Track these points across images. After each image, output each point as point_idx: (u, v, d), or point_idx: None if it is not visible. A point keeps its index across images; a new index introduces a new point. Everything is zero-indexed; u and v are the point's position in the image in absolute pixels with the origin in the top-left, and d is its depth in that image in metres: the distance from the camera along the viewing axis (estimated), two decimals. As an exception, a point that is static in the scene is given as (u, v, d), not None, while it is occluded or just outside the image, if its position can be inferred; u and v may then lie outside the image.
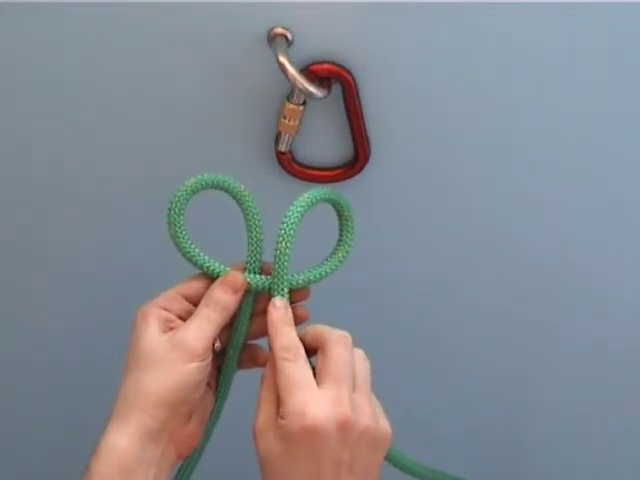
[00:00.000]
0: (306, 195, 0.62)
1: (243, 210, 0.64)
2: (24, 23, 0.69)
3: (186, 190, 0.62)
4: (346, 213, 0.65)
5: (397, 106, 0.73)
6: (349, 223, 0.65)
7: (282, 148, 0.74)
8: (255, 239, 0.64)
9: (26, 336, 0.93)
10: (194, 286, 0.63)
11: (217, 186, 0.63)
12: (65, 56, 0.71)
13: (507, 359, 0.94)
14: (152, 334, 0.60)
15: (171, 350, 0.59)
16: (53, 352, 0.94)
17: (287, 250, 0.62)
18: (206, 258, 0.63)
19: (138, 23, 0.68)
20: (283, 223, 0.62)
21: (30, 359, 0.95)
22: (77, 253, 0.86)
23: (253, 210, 0.63)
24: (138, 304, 0.62)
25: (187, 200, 0.62)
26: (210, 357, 0.60)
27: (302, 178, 0.76)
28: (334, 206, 0.65)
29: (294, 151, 0.75)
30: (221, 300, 0.62)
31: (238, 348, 0.64)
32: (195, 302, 0.63)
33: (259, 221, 0.64)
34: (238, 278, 0.62)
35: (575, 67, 0.71)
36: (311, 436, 0.55)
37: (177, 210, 0.62)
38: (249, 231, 0.64)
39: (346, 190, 0.76)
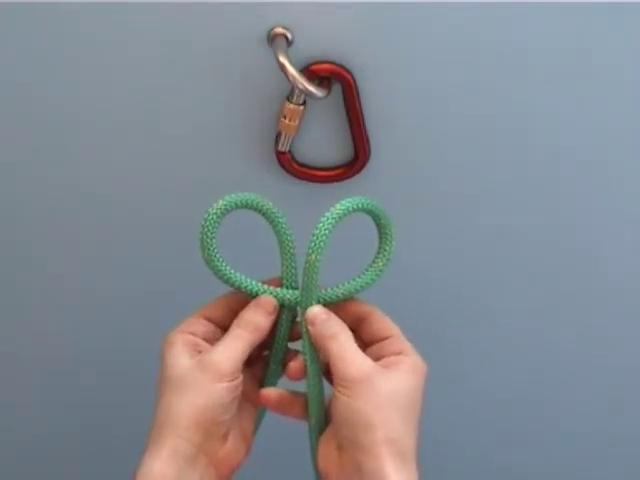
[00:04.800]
0: (338, 206, 0.60)
1: (274, 227, 0.62)
2: (24, 23, 0.69)
3: (216, 213, 0.60)
4: (383, 222, 0.62)
5: (397, 106, 0.73)
6: (387, 231, 0.62)
7: (282, 148, 0.74)
8: (289, 254, 0.62)
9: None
10: (216, 308, 0.63)
11: (246, 206, 0.61)
12: (65, 57, 0.71)
13: (510, 360, 0.94)
14: (180, 358, 0.59)
15: (199, 372, 0.58)
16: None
17: (317, 263, 0.60)
18: (242, 278, 0.62)
19: (137, 23, 0.68)
20: (313, 235, 0.59)
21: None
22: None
23: (284, 226, 0.62)
24: (163, 331, 0.61)
25: (218, 223, 0.60)
26: (240, 377, 0.59)
27: (302, 178, 0.76)
28: (370, 215, 0.62)
29: (294, 151, 0.75)
30: (253, 321, 0.61)
31: (279, 362, 0.64)
32: (219, 324, 0.62)
33: (291, 236, 0.62)
34: (270, 301, 0.62)
35: (575, 67, 0.71)
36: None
37: (209, 234, 0.60)
38: (282, 247, 0.62)
39: (346, 190, 0.76)
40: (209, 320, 0.62)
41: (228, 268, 0.62)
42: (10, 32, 0.69)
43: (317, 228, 0.59)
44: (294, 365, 0.62)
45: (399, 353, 0.59)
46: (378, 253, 0.63)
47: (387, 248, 0.62)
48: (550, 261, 0.84)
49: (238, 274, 0.62)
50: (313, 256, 0.60)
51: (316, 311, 0.61)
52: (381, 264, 0.63)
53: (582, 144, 0.76)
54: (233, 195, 0.61)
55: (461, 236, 0.83)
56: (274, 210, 0.62)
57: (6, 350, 0.94)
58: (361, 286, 0.62)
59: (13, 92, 0.73)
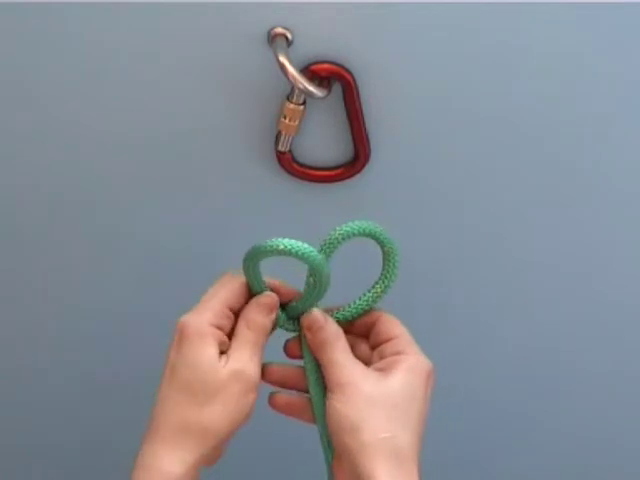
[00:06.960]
0: (340, 229, 0.60)
1: (313, 276, 0.61)
2: (24, 23, 0.69)
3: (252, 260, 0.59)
4: (387, 247, 0.61)
5: (397, 106, 0.73)
6: (390, 257, 0.62)
7: (282, 148, 0.74)
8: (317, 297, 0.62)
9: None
10: (236, 294, 0.61)
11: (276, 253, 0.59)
12: (64, 57, 0.71)
13: (506, 360, 0.94)
14: (212, 360, 0.58)
15: (233, 382, 0.57)
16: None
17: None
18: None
19: (137, 23, 0.68)
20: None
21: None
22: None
23: (325, 277, 0.61)
24: (178, 316, 0.59)
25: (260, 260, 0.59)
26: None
27: (302, 178, 0.76)
28: (374, 240, 0.62)
29: (294, 151, 0.75)
30: (265, 324, 0.60)
31: None
32: (236, 311, 0.61)
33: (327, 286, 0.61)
34: (273, 298, 0.61)
35: (575, 68, 0.71)
36: None
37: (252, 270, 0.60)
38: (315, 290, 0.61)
39: (346, 190, 0.76)
40: (230, 309, 0.61)
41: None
42: (10, 32, 0.69)
43: (320, 247, 0.60)
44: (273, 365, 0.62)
45: (398, 353, 0.60)
46: (380, 278, 0.63)
47: (388, 275, 0.62)
48: (550, 261, 0.84)
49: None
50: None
51: (314, 316, 0.61)
52: (379, 290, 0.63)
53: (582, 144, 0.76)
54: (267, 243, 0.59)
55: (461, 236, 0.83)
56: (321, 265, 0.60)
57: (6, 350, 0.94)
58: (357, 310, 0.62)
59: (13, 92, 0.73)
